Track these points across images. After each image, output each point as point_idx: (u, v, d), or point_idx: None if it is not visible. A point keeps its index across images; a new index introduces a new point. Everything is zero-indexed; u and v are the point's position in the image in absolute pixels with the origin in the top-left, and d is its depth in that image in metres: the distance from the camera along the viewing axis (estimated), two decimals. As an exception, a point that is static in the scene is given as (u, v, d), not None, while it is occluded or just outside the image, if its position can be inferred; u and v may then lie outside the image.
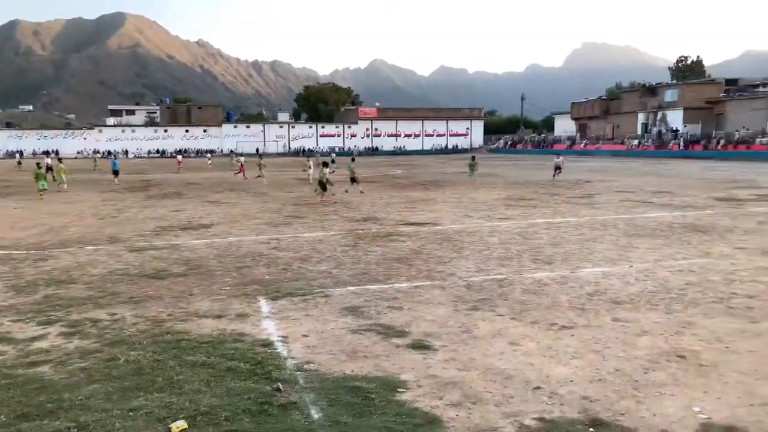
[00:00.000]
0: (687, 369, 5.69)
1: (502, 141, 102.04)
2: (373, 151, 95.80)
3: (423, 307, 7.88)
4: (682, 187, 26.56)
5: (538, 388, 5.25)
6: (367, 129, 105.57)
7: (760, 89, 67.31)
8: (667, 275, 9.61)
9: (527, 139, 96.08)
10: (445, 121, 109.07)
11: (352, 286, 9.08)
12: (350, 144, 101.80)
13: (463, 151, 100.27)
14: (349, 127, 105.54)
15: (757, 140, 56.36)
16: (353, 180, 25.30)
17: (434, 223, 16.09)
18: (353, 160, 27.19)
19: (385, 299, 8.30)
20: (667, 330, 6.84)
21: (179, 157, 56.09)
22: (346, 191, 24.92)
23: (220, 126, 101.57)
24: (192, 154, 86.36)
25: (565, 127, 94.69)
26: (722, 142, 59.88)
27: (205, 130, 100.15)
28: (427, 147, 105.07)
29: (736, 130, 60.21)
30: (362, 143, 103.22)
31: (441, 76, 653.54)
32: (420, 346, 6.38)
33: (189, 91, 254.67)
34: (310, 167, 32.68)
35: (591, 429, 4.48)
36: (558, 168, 32.89)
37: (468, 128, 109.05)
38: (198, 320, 7.42)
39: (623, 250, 11.91)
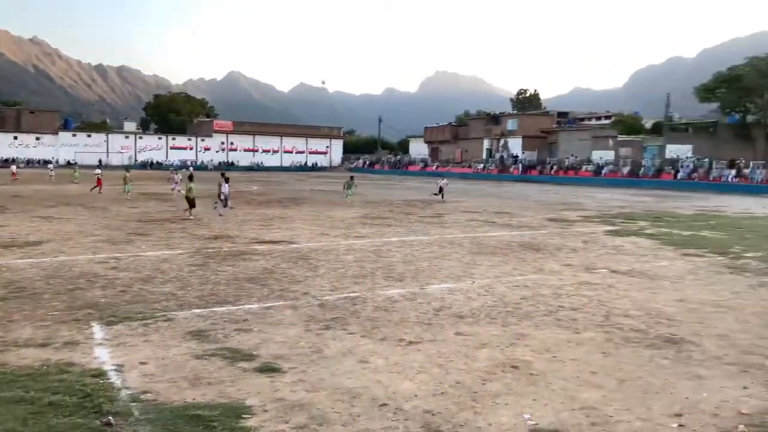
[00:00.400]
0: (519, 378, 6.12)
1: (360, 160, 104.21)
2: (229, 166, 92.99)
3: (273, 329, 7.71)
4: (521, 208, 28.89)
5: (384, 404, 5.33)
6: (223, 143, 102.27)
7: (586, 122, 75.85)
8: (505, 290, 10.34)
9: (384, 159, 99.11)
10: (304, 139, 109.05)
11: (198, 309, 8.64)
12: (204, 158, 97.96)
13: (322, 169, 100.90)
14: (203, 140, 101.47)
15: (584, 167, 63.18)
16: (188, 199, 21.20)
17: (290, 241, 15.92)
18: (191, 178, 23.30)
19: (234, 321, 8.00)
20: (503, 342, 7.33)
21: (13, 167, 50.03)
22: (215, 207, 22.92)
23: (56, 133, 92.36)
24: (22, 164, 77.49)
25: (419, 149, 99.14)
26: (555, 167, 66.27)
27: (38, 138, 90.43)
28: (286, 164, 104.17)
29: (566, 158, 67.03)
30: (217, 157, 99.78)
31: (301, 92, 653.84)
32: (268, 369, 6.21)
33: (20, 94, 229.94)
34: (176, 182, 30.83)
35: (432, 442, 4.63)
36: (441, 189, 34.08)
37: (328, 146, 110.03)
38: (17, 350, 6.60)
39: (467, 267, 12.62)
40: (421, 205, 29.31)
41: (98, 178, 34.71)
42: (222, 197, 22.59)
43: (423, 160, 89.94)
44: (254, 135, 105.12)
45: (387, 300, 9.43)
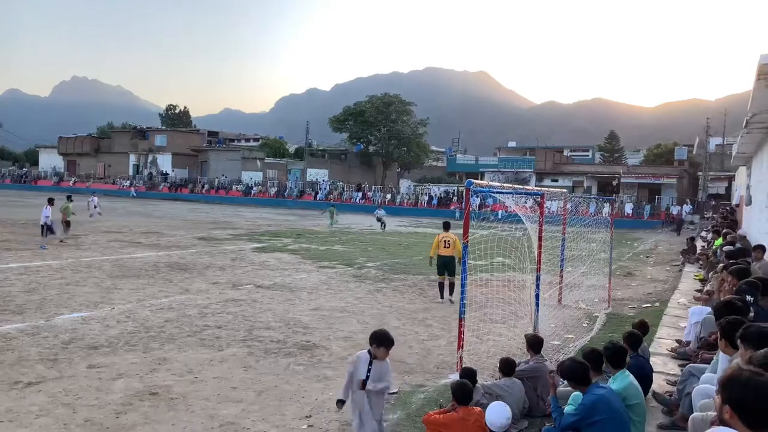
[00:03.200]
0: (158, 405, 5.89)
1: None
2: None
3: None
4: (170, 227, 27.93)
5: (-12, 463, 4.49)
6: None
7: (236, 143, 77.99)
8: (148, 314, 9.84)
9: (5, 172, 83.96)
10: None
11: None
12: None
13: None
14: None
15: (234, 186, 64.70)
16: None
17: None
18: None
19: None
20: (142, 369, 6.95)
21: None
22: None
23: None
24: None
25: (52, 161, 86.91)
26: (206, 186, 66.20)
27: None
28: None
29: (217, 177, 67.69)
30: None
31: None
32: None
33: None
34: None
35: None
36: (380, 219, 33.19)
37: None
38: None
39: (107, 292, 11.60)
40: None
41: None
42: None
43: (58, 174, 79.27)
44: None
45: (0, 338, 7.97)
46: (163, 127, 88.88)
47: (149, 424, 5.40)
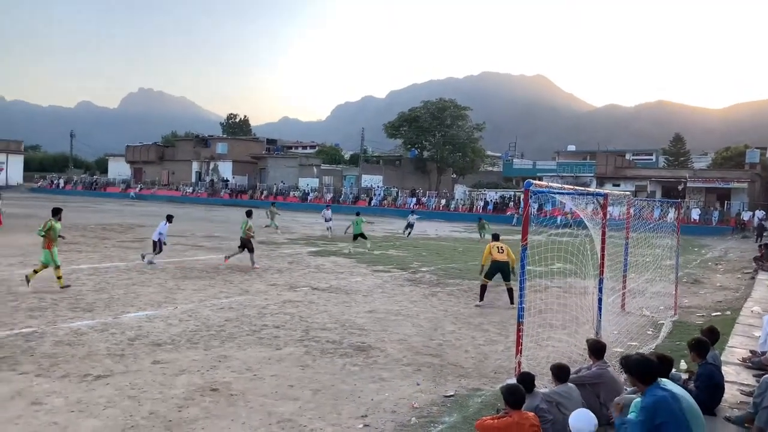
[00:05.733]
0: (218, 400, 6.02)
1: (47, 180, 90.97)
2: None
3: None
4: (230, 231, 28.67)
5: (60, 450, 4.69)
6: None
7: (293, 150, 79.54)
8: (209, 314, 10.11)
9: (77, 179, 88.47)
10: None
11: None
12: None
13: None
14: None
15: (291, 193, 65.96)
16: None
17: (-59, 272, 13.00)
18: None
19: None
20: (203, 366, 7.13)
21: None
22: None
23: None
24: None
25: (119, 170, 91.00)
26: (265, 192, 67.75)
27: None
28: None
29: (276, 184, 69.16)
30: None
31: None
32: None
33: None
34: None
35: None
36: (411, 225, 30.78)
37: (3, 162, 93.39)
38: None
39: (170, 292, 11.99)
40: (120, 229, 26.91)
41: None
42: None
43: (125, 181, 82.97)
44: None
45: (72, 333, 8.37)
46: (224, 136, 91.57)
47: (209, 418, 5.52)
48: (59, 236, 12.35)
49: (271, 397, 6.20)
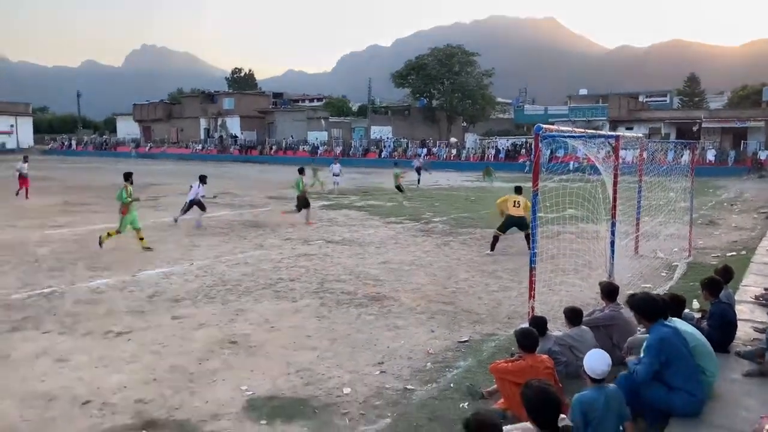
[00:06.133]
0: (238, 353, 6.16)
1: (58, 141, 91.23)
2: None
3: (-62, 340, 6.36)
4: (242, 188, 28.76)
5: (87, 402, 4.87)
6: None
7: (300, 103, 78.82)
8: (225, 269, 10.24)
9: (87, 140, 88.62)
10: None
11: None
12: None
13: (10, 151, 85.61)
14: None
15: (301, 147, 65.68)
16: None
17: (-39, 236, 13.22)
18: None
19: None
20: (222, 320, 7.28)
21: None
22: None
23: None
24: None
25: (128, 129, 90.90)
26: (274, 148, 67.56)
27: None
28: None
29: (285, 138, 68.84)
30: None
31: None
32: (-69, 388, 5.11)
33: None
34: None
35: (143, 431, 4.38)
36: (419, 170, 30.18)
37: (13, 125, 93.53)
38: None
39: (186, 249, 12.14)
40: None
41: (22, 176, 22.37)
42: None
43: (134, 141, 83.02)
44: None
45: (91, 292, 8.54)
46: (230, 91, 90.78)
47: (230, 370, 5.66)
48: (135, 198, 12.39)
49: (289, 348, 6.33)
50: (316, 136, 67.57)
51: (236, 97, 78.51)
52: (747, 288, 8.05)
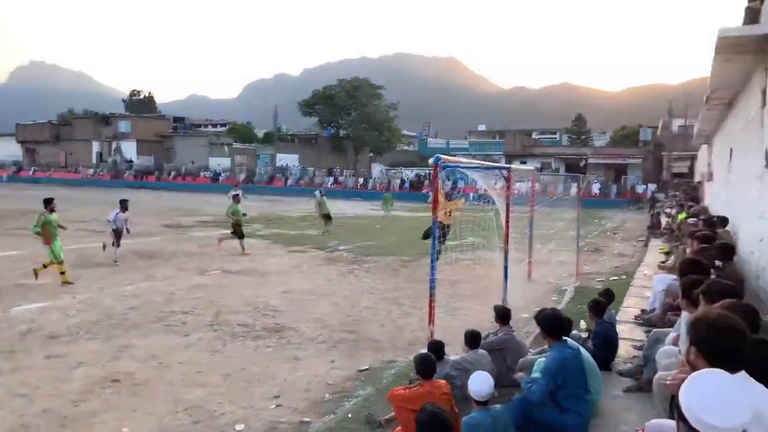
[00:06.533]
0: (120, 391, 5.71)
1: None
2: None
3: None
4: (136, 215, 27.22)
5: (-64, 457, 4.28)
6: None
7: (203, 128, 76.64)
8: (112, 302, 9.56)
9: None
10: None
11: None
12: None
13: None
14: None
15: (202, 173, 63.64)
16: None
17: None
18: None
19: None
20: (104, 357, 6.74)
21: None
22: None
23: None
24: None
25: (8, 151, 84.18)
26: (173, 173, 64.97)
27: None
28: None
29: (184, 164, 66.46)
30: None
31: None
32: None
33: None
34: None
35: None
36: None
37: None
38: None
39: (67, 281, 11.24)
40: (14, 216, 24.93)
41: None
42: None
43: (16, 164, 76.92)
44: None
45: (-47, 330, 7.66)
46: (128, 113, 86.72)
47: (110, 411, 5.23)
48: (59, 227, 11.18)
49: (178, 385, 5.95)
50: (219, 162, 65.86)
51: (133, 120, 75.12)
52: (627, 309, 8.60)
